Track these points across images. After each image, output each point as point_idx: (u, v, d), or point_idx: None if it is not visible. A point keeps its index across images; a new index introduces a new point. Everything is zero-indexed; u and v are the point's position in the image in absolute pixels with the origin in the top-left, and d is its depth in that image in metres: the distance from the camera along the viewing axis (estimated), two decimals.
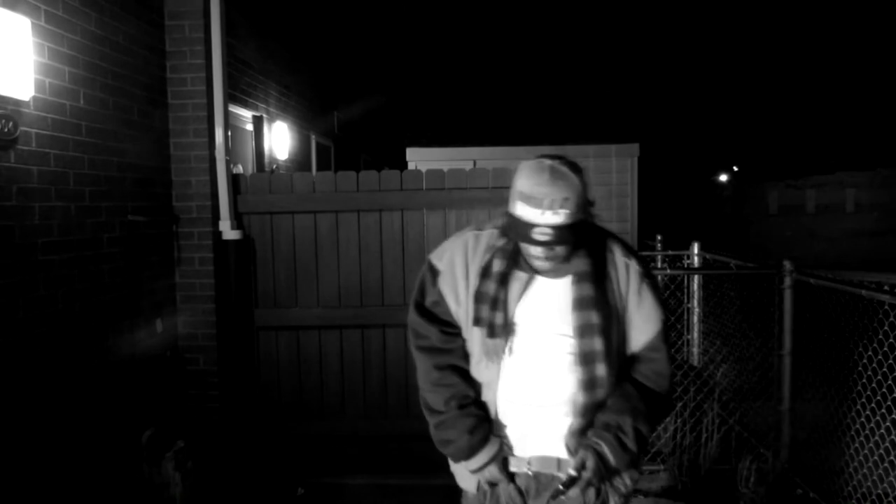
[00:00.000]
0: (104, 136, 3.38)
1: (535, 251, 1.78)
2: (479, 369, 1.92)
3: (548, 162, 1.73)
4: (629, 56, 19.63)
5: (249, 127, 5.67)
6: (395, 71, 13.04)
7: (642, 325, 1.91)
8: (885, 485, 3.05)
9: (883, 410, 3.13)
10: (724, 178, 21.73)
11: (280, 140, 6.20)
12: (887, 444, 3.06)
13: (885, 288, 2.96)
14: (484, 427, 1.88)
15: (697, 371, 4.42)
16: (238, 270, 4.08)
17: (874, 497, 3.06)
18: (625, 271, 1.90)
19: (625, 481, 1.92)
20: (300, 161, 6.94)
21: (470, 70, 17.54)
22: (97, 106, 3.32)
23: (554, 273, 1.86)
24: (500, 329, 1.85)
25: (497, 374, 1.89)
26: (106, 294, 3.38)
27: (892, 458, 3.03)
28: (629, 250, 1.96)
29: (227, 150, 4.08)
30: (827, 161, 17.85)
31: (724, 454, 3.86)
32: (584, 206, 1.75)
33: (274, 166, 6.08)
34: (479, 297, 1.88)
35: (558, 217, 1.69)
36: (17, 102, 2.77)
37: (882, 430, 3.12)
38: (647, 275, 1.94)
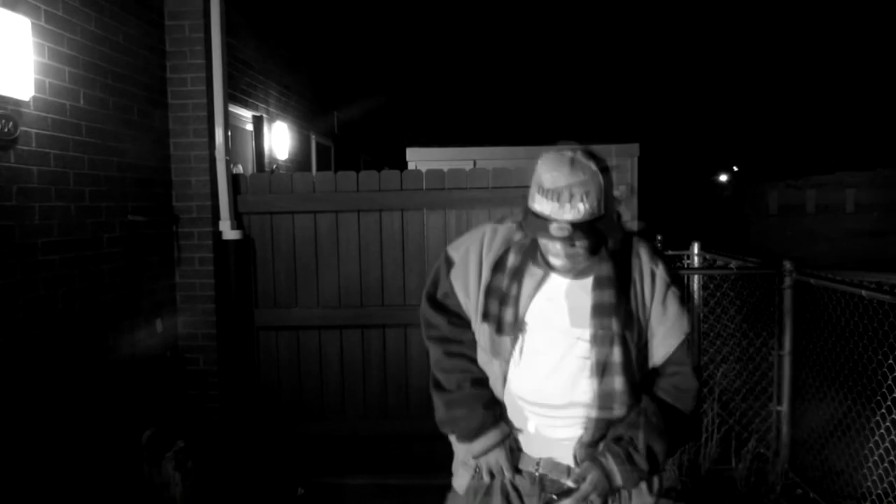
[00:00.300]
0: (104, 136, 3.38)
1: (553, 248, 1.69)
2: (486, 366, 1.87)
3: (569, 153, 1.63)
4: (629, 56, 19.63)
5: (249, 127, 5.67)
6: (395, 71, 13.04)
7: (664, 337, 1.80)
8: (886, 485, 3.05)
9: (883, 410, 3.13)
10: (724, 178, 21.75)
11: (280, 140, 6.21)
12: (887, 443, 3.06)
13: (885, 288, 2.96)
14: (497, 408, 1.82)
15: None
16: (238, 270, 4.08)
17: (874, 497, 3.05)
18: (650, 278, 1.78)
19: (631, 501, 1.80)
20: (300, 161, 6.94)
21: (470, 70, 17.54)
22: (97, 106, 3.32)
23: (573, 273, 1.76)
24: (508, 326, 1.78)
25: (504, 373, 1.82)
26: (106, 294, 3.38)
27: (892, 457, 3.03)
28: (657, 255, 1.83)
29: (227, 150, 4.08)
30: (827, 161, 17.85)
31: (724, 454, 3.86)
32: (607, 202, 1.63)
33: (274, 166, 6.08)
34: (489, 292, 1.81)
35: (578, 212, 1.59)
36: (17, 102, 2.77)
37: (882, 430, 3.12)
38: (674, 283, 1.81)
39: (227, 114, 4.10)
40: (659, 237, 6.55)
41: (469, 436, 1.82)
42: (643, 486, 1.81)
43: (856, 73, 19.94)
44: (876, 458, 3.14)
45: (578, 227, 1.60)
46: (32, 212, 2.88)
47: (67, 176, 3.10)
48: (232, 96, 4.75)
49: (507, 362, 1.81)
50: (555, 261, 1.74)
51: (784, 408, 3.69)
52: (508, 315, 1.78)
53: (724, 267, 4.34)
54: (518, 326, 1.79)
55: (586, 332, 1.75)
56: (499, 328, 1.79)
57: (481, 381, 1.86)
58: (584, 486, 1.72)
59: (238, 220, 4.13)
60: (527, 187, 1.68)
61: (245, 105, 5.49)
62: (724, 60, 20.73)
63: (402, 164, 4.88)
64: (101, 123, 3.35)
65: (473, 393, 1.83)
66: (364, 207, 4.11)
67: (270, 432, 4.17)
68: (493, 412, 1.82)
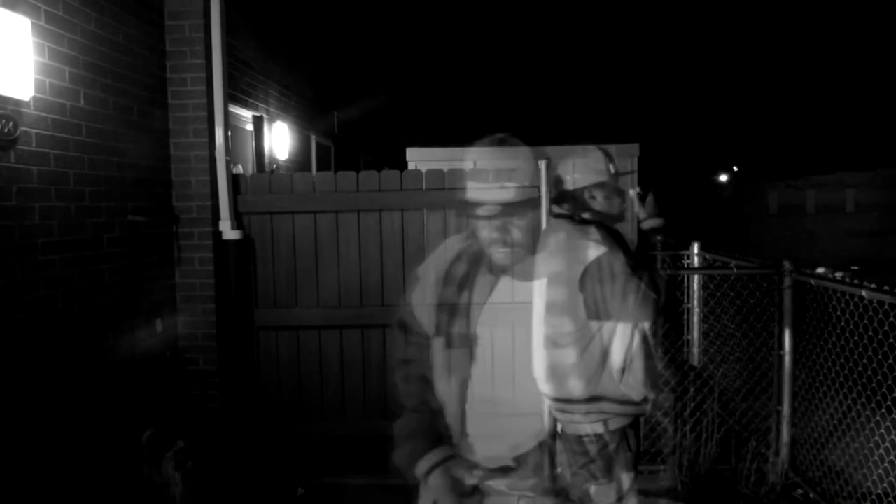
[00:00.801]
0: (104, 137, 3.38)
1: (491, 237, 1.63)
2: (441, 383, 1.76)
3: (499, 136, 1.62)
4: (629, 57, 19.63)
5: (249, 127, 5.67)
6: (395, 71, 13.04)
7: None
8: (886, 485, 3.05)
9: (883, 410, 3.12)
10: (724, 178, 21.73)
11: (280, 140, 6.20)
12: (887, 443, 3.06)
13: (885, 288, 2.95)
14: (431, 433, 1.72)
15: (697, 371, 4.42)
16: (238, 270, 4.08)
17: (874, 497, 3.05)
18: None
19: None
20: (300, 161, 6.94)
21: (470, 70, 17.54)
22: (97, 106, 3.32)
23: (522, 274, 1.69)
24: (458, 339, 1.69)
25: (459, 389, 1.72)
26: (106, 294, 3.38)
27: (892, 457, 3.03)
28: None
29: (227, 150, 4.08)
30: (827, 161, 17.84)
31: (724, 454, 3.86)
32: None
33: (274, 166, 6.08)
34: (439, 305, 1.73)
35: (507, 191, 1.55)
36: (17, 102, 2.77)
37: (882, 430, 3.12)
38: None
39: (227, 114, 4.10)
40: (659, 237, 6.55)
41: (405, 465, 1.74)
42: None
43: (855, 72, 19.94)
44: (876, 458, 3.14)
45: (508, 207, 1.56)
46: (32, 212, 2.88)
47: (67, 176, 3.10)
48: (232, 96, 4.75)
49: (461, 377, 1.71)
50: (495, 254, 1.66)
51: (784, 408, 3.69)
52: (457, 327, 1.70)
53: (724, 267, 4.33)
54: (469, 339, 1.70)
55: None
56: (447, 341, 1.71)
57: (425, 403, 1.76)
58: (525, 466, 1.66)
59: (238, 220, 4.12)
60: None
61: (245, 105, 5.49)
62: (723, 60, 20.74)
63: (402, 164, 4.87)
64: (101, 123, 3.35)
65: (411, 419, 1.76)
66: (364, 207, 4.11)
67: (270, 432, 4.17)
68: (425, 438, 1.72)
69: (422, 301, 1.81)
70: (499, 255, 1.66)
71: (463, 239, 1.81)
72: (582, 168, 1.94)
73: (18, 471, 2.76)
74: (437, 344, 1.75)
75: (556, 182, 2.19)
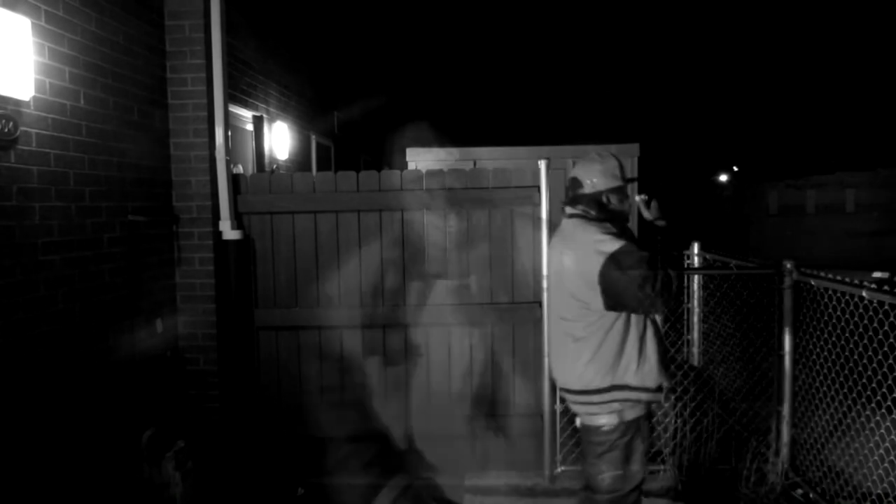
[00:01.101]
0: (104, 137, 3.38)
1: (430, 217, 1.59)
2: (383, 403, 1.71)
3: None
4: (629, 57, 19.62)
5: (249, 127, 5.67)
6: (395, 71, 13.04)
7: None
8: (886, 485, 3.05)
9: (883, 410, 3.12)
10: (724, 178, 21.73)
11: (280, 140, 6.20)
12: (887, 443, 3.06)
13: (885, 288, 2.95)
14: (380, 461, 1.64)
15: (697, 371, 4.42)
16: (238, 270, 4.08)
17: (874, 497, 3.05)
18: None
19: None
20: (300, 161, 6.94)
21: (471, 71, 17.53)
22: (97, 106, 3.32)
23: (458, 273, 1.69)
24: (395, 355, 1.66)
25: (402, 404, 1.70)
26: (106, 294, 3.38)
27: (892, 457, 3.03)
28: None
29: (227, 150, 4.08)
30: (827, 161, 17.85)
31: (724, 454, 3.86)
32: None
33: (274, 166, 6.08)
34: (370, 323, 1.68)
35: (444, 163, 1.56)
36: (17, 102, 2.77)
37: (882, 430, 3.12)
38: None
39: (227, 114, 4.10)
40: (659, 237, 6.55)
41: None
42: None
43: (855, 72, 19.94)
44: (876, 458, 3.14)
45: (448, 182, 1.53)
46: (33, 212, 2.88)
47: (68, 176, 3.10)
48: (232, 96, 4.75)
49: (406, 391, 1.68)
50: (436, 230, 1.63)
51: (784, 408, 3.69)
52: (393, 343, 1.67)
53: (724, 267, 4.33)
54: (407, 352, 1.68)
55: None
56: (385, 359, 1.68)
57: (362, 431, 1.64)
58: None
59: (238, 220, 4.12)
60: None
61: (245, 105, 5.49)
62: (723, 61, 20.74)
63: (402, 164, 4.87)
64: (101, 123, 3.35)
65: (353, 449, 1.65)
66: (364, 207, 4.10)
67: (270, 432, 4.17)
68: (376, 470, 1.61)
69: (352, 318, 1.75)
70: (440, 231, 1.63)
71: (394, 245, 1.79)
72: (600, 173, 2.16)
73: (19, 471, 2.76)
74: (372, 364, 1.71)
75: (573, 184, 2.36)
